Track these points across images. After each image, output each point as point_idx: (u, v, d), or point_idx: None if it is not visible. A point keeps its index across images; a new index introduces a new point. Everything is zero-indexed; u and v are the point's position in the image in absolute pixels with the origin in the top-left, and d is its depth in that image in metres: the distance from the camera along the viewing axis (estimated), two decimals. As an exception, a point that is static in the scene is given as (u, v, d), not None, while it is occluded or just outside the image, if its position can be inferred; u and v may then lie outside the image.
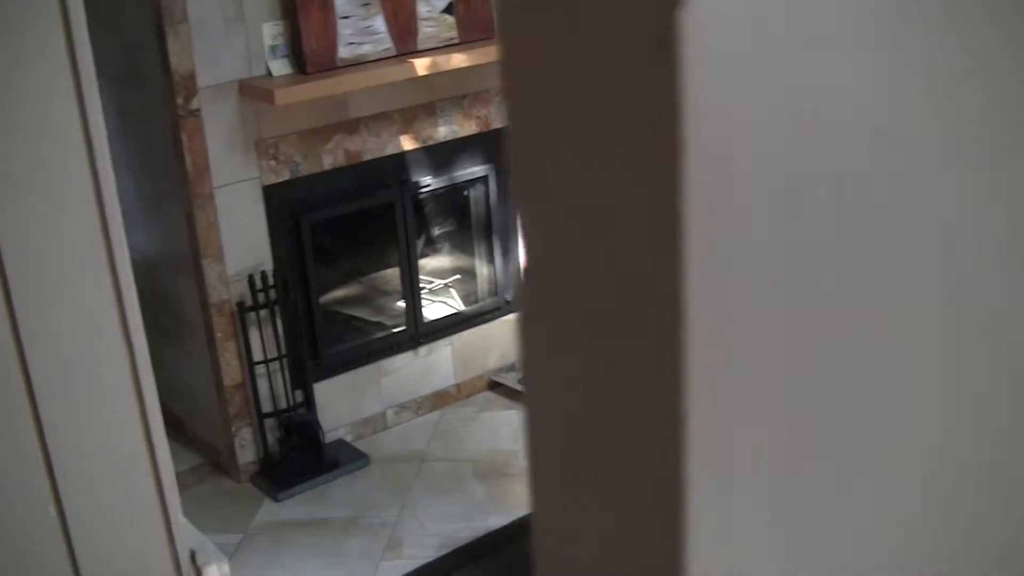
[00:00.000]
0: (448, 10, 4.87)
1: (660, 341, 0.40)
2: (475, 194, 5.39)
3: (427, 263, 5.55)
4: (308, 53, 4.53)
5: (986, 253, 0.49)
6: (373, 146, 4.90)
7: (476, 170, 5.26)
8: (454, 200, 5.42)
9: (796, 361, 0.44)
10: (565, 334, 0.44)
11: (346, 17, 4.61)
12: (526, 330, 0.46)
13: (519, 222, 0.45)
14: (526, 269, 0.46)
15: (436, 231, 5.58)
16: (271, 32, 4.54)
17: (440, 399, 5.43)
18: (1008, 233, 0.50)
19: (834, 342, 0.45)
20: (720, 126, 0.39)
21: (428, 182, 5.13)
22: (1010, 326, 0.51)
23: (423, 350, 5.32)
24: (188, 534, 1.74)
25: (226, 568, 1.75)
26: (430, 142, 5.06)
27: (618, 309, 0.42)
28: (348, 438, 5.13)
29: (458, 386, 5.48)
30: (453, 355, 5.43)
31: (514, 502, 4.61)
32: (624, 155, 0.39)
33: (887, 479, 0.48)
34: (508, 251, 5.49)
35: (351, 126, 4.82)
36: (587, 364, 0.44)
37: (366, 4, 4.64)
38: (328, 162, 4.79)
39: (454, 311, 5.45)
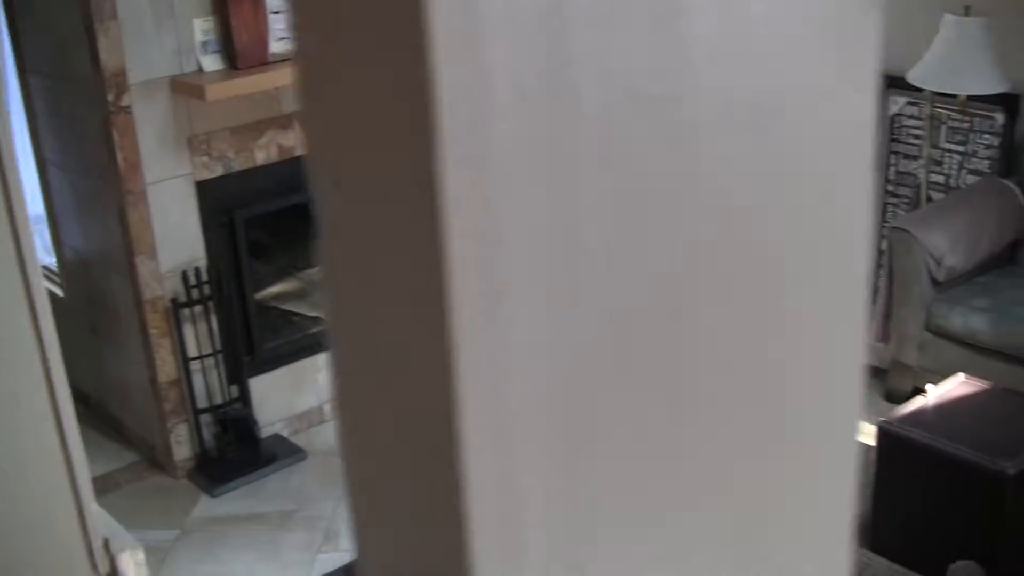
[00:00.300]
0: (379, 5, 4.88)
1: (428, 337, 0.43)
2: (410, 188, 5.40)
3: (363, 258, 5.56)
4: (239, 48, 4.54)
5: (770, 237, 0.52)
6: (306, 141, 4.90)
7: (410, 164, 5.27)
8: (389, 195, 5.43)
9: (570, 349, 0.47)
10: (356, 318, 0.48)
11: (277, 12, 4.62)
12: (327, 299, 0.49)
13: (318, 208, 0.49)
14: (321, 256, 0.49)
15: (372, 226, 5.59)
16: (202, 27, 4.54)
17: (378, 393, 5.44)
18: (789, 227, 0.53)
19: (611, 329, 0.48)
20: (476, 107, 0.42)
21: (362, 177, 5.14)
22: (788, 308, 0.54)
23: (360, 344, 5.33)
24: (102, 522, 1.76)
25: (140, 556, 1.77)
26: (364, 137, 5.07)
27: (390, 297, 0.45)
28: (284, 433, 5.14)
29: (396, 380, 5.49)
30: (390, 349, 5.44)
31: (450, 493, 4.63)
32: (384, 141, 0.43)
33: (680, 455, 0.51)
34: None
35: (284, 121, 4.82)
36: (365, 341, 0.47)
37: None
38: (261, 157, 4.79)
39: (391, 305, 5.46)
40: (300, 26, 0.44)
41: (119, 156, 4.43)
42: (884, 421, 3.98)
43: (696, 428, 0.50)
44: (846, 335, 0.54)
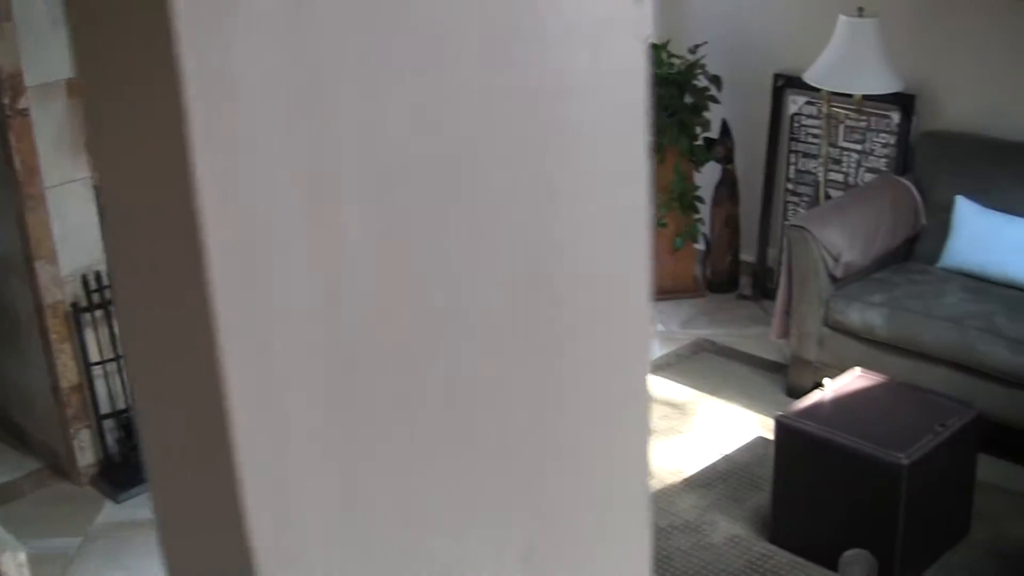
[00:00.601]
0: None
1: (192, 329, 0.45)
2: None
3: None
4: (138, 51, 4.50)
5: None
6: (208, 144, 4.87)
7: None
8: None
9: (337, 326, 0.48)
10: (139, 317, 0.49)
11: (176, 15, 4.59)
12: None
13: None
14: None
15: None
16: (100, 30, 4.50)
17: (285, 396, 5.41)
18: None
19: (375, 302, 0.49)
20: (227, 97, 0.43)
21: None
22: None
23: (266, 347, 5.30)
24: (-18, 525, 1.75)
25: (22, 557, 1.76)
26: (267, 139, 5.05)
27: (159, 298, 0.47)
28: (190, 437, 5.10)
29: (303, 382, 5.47)
30: (297, 352, 5.42)
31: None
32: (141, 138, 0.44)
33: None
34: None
35: (185, 124, 4.79)
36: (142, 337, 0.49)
37: (196, 2, 4.62)
38: (162, 161, 4.75)
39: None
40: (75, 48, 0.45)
41: (16, 160, 4.38)
42: (781, 415, 4.04)
43: (468, 404, 0.52)
44: (628, 309, 0.56)
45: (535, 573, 0.60)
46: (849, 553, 3.08)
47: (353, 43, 0.45)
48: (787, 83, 5.84)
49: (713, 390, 5.21)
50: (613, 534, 0.61)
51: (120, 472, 4.83)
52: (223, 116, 0.42)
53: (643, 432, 0.60)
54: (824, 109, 5.49)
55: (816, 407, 4.09)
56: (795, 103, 5.89)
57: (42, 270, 4.55)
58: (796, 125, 5.92)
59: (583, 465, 0.58)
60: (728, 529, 4.24)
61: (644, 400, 0.59)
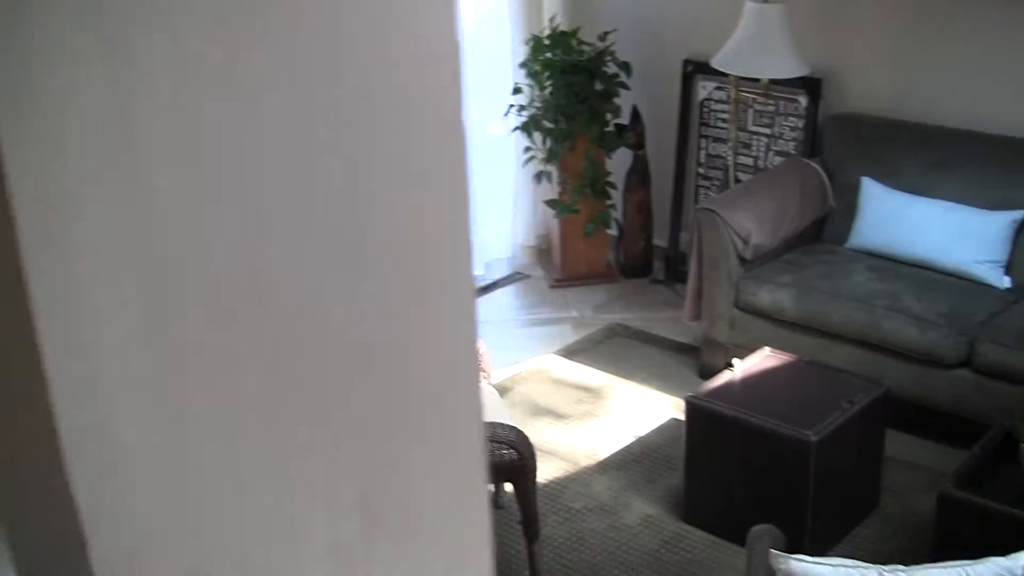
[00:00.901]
0: None
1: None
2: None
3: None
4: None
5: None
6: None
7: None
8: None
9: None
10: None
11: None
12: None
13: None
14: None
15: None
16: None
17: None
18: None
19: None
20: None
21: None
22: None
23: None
24: None
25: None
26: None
27: None
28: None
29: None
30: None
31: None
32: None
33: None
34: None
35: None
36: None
37: None
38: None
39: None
40: None
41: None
42: (691, 396, 4.08)
43: (287, 354, 0.53)
44: (453, 267, 0.57)
45: (372, 522, 0.61)
46: (756, 529, 3.11)
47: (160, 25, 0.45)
48: (696, 69, 5.90)
49: (627, 374, 5.25)
50: (450, 482, 0.62)
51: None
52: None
53: (473, 381, 0.61)
54: (733, 94, 5.54)
55: (726, 387, 4.13)
56: (705, 88, 5.95)
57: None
58: (706, 110, 5.98)
59: (416, 416, 0.59)
60: (642, 510, 4.27)
61: (472, 354, 0.60)
